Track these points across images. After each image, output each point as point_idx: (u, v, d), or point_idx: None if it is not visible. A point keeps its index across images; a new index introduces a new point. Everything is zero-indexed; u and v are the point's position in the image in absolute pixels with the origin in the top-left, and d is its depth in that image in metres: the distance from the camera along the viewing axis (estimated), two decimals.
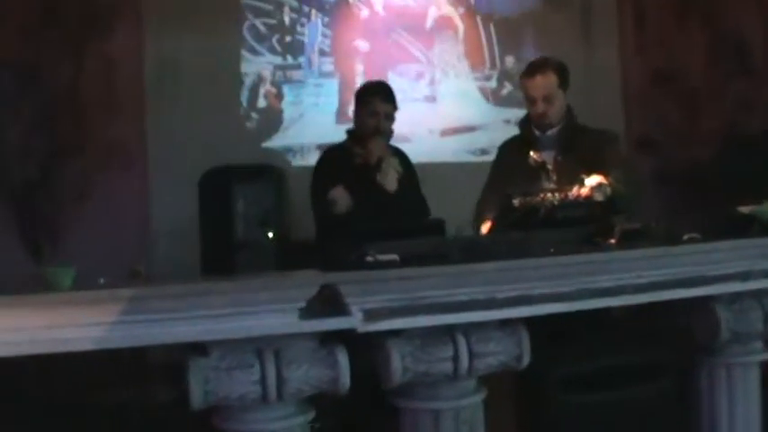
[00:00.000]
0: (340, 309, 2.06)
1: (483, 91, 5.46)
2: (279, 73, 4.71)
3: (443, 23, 5.36)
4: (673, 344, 2.65)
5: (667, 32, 5.77)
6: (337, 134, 4.78)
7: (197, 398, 1.99)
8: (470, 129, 5.41)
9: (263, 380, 2.01)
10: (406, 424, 2.31)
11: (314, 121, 4.78)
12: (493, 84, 5.48)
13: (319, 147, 4.74)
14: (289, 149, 4.71)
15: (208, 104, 4.55)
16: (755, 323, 2.54)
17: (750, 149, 5.37)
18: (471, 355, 2.20)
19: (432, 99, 5.20)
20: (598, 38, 5.67)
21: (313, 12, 4.81)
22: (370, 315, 2.08)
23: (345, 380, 2.08)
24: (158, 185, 4.52)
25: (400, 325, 2.11)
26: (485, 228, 2.82)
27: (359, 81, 4.86)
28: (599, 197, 2.52)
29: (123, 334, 1.89)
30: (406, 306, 2.12)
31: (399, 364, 2.14)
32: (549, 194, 2.42)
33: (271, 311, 2.00)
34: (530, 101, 3.24)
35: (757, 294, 2.55)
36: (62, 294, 1.92)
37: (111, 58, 4.49)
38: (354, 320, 2.06)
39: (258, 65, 4.67)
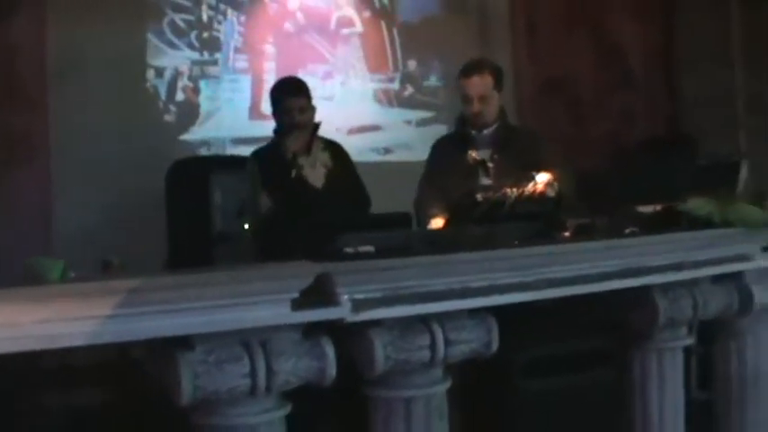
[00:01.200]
0: (330, 299, 2.09)
1: (386, 92, 5.58)
2: (196, 68, 4.67)
3: (347, 25, 5.43)
4: (610, 331, 2.84)
5: (557, 42, 6.03)
6: (251, 129, 4.81)
7: (186, 393, 1.94)
8: (374, 128, 5.52)
9: (252, 372, 1.99)
10: (378, 412, 2.34)
11: (229, 116, 4.78)
12: (395, 86, 5.61)
13: (234, 141, 4.71)
14: (205, 143, 4.67)
15: (118, 96, 4.38)
16: (686, 310, 2.77)
17: (633, 158, 5.72)
18: (447, 343, 2.27)
19: (338, 99, 5.26)
20: (494, 44, 5.87)
21: (229, 10, 4.79)
22: (358, 305, 2.11)
23: (332, 370, 2.10)
24: (64, 180, 4.30)
25: (387, 314, 2.15)
26: (435, 223, 2.91)
27: (270, 79, 4.84)
28: (551, 193, 2.66)
29: (117, 328, 1.83)
30: (389, 296, 2.17)
31: (382, 353, 2.18)
32: (509, 190, 2.53)
33: (262, 303, 2.00)
34: (466, 100, 3.36)
35: (686, 283, 2.78)
36: (50, 287, 1.82)
37: (11, 44, 4.22)
38: (345, 310, 2.08)
39: (176, 59, 4.60)
